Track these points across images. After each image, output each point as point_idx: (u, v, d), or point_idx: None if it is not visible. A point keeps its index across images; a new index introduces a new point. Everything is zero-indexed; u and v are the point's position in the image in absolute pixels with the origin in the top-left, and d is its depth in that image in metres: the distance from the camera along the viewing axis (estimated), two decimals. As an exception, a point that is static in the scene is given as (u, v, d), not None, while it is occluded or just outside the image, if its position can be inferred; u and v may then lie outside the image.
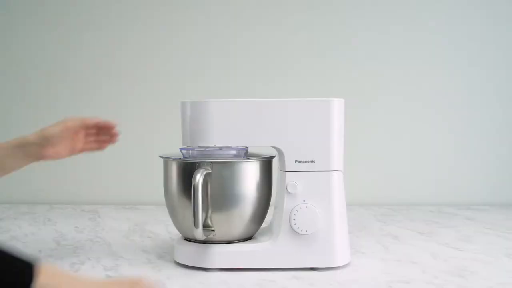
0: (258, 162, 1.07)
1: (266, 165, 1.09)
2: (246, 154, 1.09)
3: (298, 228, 1.04)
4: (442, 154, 1.87)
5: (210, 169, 1.02)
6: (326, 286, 0.97)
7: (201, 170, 1.00)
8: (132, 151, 1.79)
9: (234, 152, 1.08)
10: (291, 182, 1.05)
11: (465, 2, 1.84)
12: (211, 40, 1.79)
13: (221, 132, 1.04)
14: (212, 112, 1.04)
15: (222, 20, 1.80)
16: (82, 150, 1.13)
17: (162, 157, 1.10)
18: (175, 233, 1.34)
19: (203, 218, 1.02)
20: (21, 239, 1.30)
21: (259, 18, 1.80)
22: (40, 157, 1.07)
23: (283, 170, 1.06)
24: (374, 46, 1.83)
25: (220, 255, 1.04)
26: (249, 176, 1.05)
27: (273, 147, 1.07)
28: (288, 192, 1.05)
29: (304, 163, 1.06)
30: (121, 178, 1.80)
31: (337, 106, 1.06)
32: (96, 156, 1.80)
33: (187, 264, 1.07)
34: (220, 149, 1.06)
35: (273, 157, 1.12)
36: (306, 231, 1.04)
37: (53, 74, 1.80)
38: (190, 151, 1.07)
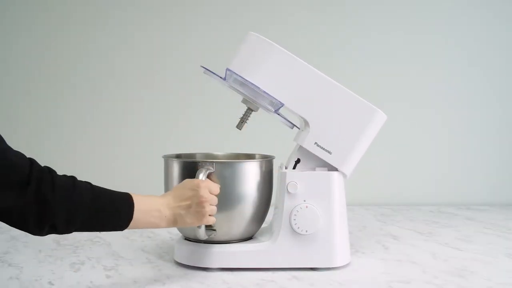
0: (259, 162, 1.07)
1: (267, 165, 1.09)
2: (278, 111, 1.06)
3: (298, 228, 1.04)
4: (442, 154, 1.87)
5: (212, 168, 1.02)
6: (326, 286, 0.97)
7: (204, 169, 1.00)
8: (132, 151, 1.79)
9: (271, 100, 1.04)
10: (291, 182, 1.05)
11: (465, 2, 1.84)
12: (212, 41, 1.79)
13: (269, 78, 1.03)
14: (272, 56, 1.04)
15: (225, 21, 1.80)
16: None
17: (164, 157, 1.10)
18: (175, 233, 1.34)
19: None
20: (21, 239, 1.30)
21: (261, 19, 1.80)
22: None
23: (302, 143, 1.06)
24: (374, 47, 1.83)
25: (220, 255, 1.04)
26: (250, 176, 1.05)
27: (304, 118, 1.06)
28: (288, 192, 1.05)
29: (321, 150, 1.06)
30: (121, 178, 1.80)
31: (378, 118, 1.08)
32: (96, 156, 1.80)
33: (187, 264, 1.07)
34: (259, 89, 1.03)
35: (273, 157, 1.12)
36: (306, 231, 1.04)
37: (58, 76, 1.80)
38: (235, 76, 1.04)
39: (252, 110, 1.10)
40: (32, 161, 0.82)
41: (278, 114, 1.05)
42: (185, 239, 1.10)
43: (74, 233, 1.35)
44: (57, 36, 1.79)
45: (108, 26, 1.80)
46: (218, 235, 1.05)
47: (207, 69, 1.05)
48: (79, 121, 1.79)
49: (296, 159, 1.09)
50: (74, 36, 1.80)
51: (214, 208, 0.98)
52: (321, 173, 1.07)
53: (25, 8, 1.78)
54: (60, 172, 0.86)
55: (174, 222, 0.95)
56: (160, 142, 1.79)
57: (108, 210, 0.87)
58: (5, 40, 1.78)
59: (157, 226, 0.94)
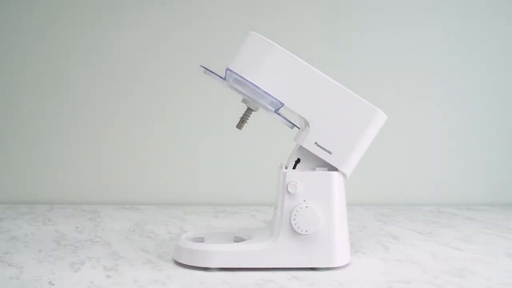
0: None
1: None
2: (278, 111, 1.05)
3: (298, 228, 1.04)
4: (442, 154, 1.87)
5: None
6: (326, 286, 0.97)
7: None
8: (132, 151, 1.79)
9: (271, 100, 1.04)
10: (291, 182, 1.05)
11: (465, 2, 1.84)
12: (212, 41, 1.79)
13: (269, 78, 1.03)
14: (272, 56, 1.03)
15: (229, 17, 1.80)
16: None
17: None
18: (175, 233, 1.34)
19: None
20: (21, 239, 1.30)
21: (261, 19, 1.80)
22: None
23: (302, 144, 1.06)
24: (374, 46, 1.83)
25: (220, 255, 1.04)
26: None
27: (304, 118, 1.06)
28: (288, 192, 1.05)
29: (321, 150, 1.06)
30: (121, 178, 1.80)
31: (378, 118, 1.07)
32: (96, 156, 1.80)
33: (187, 264, 1.07)
34: (259, 89, 1.03)
35: None
36: (306, 231, 1.04)
37: (55, 74, 1.80)
38: (235, 75, 1.04)
39: (252, 110, 1.10)
40: None
41: (278, 114, 1.05)
42: (186, 239, 1.10)
43: (74, 233, 1.36)
44: (54, 33, 1.79)
45: (106, 25, 1.80)
46: None
47: (207, 69, 1.05)
48: (77, 120, 1.79)
49: (296, 159, 1.09)
50: (71, 33, 1.80)
51: None
52: (321, 173, 1.07)
53: (16, 7, 1.78)
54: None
55: None
56: (159, 141, 1.79)
57: None
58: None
59: None
